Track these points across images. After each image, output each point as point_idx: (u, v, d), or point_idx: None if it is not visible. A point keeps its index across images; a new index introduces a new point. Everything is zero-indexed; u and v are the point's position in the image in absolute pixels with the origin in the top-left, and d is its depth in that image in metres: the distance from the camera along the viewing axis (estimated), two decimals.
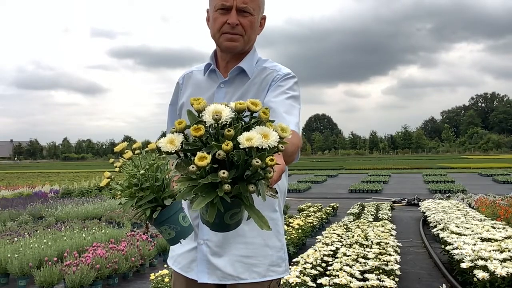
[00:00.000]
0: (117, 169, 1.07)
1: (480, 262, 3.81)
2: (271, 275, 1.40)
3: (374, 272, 3.78)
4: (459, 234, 5.21)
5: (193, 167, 0.79)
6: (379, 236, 5.44)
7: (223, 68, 1.48)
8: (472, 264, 3.86)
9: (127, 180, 1.05)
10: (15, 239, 5.67)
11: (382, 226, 6.34)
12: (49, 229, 6.65)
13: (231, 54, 1.45)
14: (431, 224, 6.93)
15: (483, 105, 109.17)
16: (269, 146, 0.79)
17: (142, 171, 1.04)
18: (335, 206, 9.84)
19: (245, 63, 1.45)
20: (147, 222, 1.09)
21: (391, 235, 5.74)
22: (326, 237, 5.52)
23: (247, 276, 1.38)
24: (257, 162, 0.78)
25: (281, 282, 3.42)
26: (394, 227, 6.56)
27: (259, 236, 1.39)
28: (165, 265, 4.42)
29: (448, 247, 4.69)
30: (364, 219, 7.50)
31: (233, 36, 1.38)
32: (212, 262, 1.38)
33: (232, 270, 1.37)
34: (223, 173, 0.78)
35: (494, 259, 3.83)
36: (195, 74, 1.55)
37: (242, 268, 1.37)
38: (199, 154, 0.79)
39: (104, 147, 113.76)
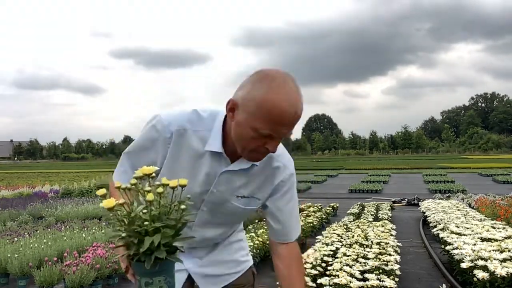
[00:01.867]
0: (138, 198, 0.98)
1: (480, 262, 3.81)
2: (247, 265, 1.65)
3: (374, 272, 3.78)
4: (459, 234, 5.21)
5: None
6: (379, 236, 5.44)
7: (229, 149, 1.32)
8: (472, 264, 3.86)
9: (149, 212, 0.93)
10: (15, 239, 5.67)
11: (382, 226, 6.33)
12: (49, 229, 6.65)
13: None
14: (431, 224, 6.92)
15: (483, 105, 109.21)
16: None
17: (180, 206, 0.96)
18: (335, 206, 9.84)
19: None
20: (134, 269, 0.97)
21: (391, 235, 5.74)
22: (326, 237, 5.51)
23: (232, 277, 1.59)
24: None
25: None
26: (394, 227, 6.56)
27: (230, 256, 1.60)
28: None
29: (448, 247, 4.69)
30: (364, 219, 7.49)
31: (262, 156, 1.29)
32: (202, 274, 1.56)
33: (218, 273, 1.59)
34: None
35: (494, 259, 3.83)
36: (190, 136, 1.32)
37: (221, 279, 1.58)
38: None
39: (104, 147, 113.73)
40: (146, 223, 0.91)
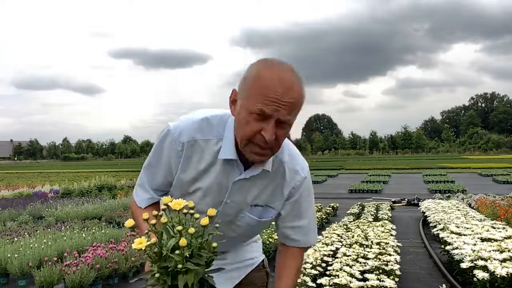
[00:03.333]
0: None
1: (480, 262, 3.81)
2: (258, 260, 1.62)
3: (374, 272, 3.78)
4: (459, 234, 5.21)
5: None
6: (379, 236, 5.44)
7: (242, 157, 1.27)
8: (472, 264, 3.86)
9: (181, 254, 0.93)
10: (15, 239, 5.68)
11: (382, 226, 6.33)
12: (49, 229, 6.66)
13: None
14: (431, 224, 6.93)
15: (483, 105, 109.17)
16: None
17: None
18: (335, 206, 9.84)
19: (269, 164, 1.30)
20: None
21: (391, 235, 5.74)
22: (326, 237, 5.51)
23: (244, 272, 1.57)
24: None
25: None
26: (394, 227, 6.56)
27: (242, 256, 1.58)
28: None
29: (448, 247, 4.69)
30: (364, 219, 7.49)
31: (263, 151, 1.18)
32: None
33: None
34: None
35: (494, 259, 3.83)
36: (201, 146, 1.28)
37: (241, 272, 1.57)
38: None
39: (104, 147, 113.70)
40: (179, 266, 0.93)
